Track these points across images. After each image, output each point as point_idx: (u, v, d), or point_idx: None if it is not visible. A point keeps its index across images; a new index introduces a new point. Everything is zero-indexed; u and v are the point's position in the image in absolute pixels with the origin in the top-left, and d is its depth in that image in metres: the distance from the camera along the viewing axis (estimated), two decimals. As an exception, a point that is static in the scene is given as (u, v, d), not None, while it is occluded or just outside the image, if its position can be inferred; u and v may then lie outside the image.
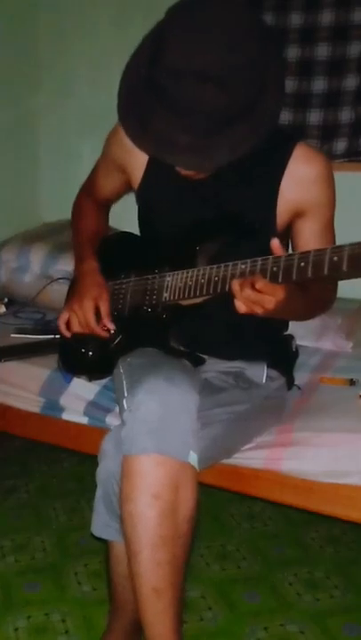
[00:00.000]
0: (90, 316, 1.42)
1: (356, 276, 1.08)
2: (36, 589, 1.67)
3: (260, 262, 1.16)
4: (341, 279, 1.46)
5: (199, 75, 1.08)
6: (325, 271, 1.06)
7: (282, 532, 1.95)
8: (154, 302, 1.41)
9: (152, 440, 1.16)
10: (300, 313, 1.39)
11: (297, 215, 1.37)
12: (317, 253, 1.08)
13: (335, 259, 1.05)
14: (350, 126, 2.21)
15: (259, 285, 1.12)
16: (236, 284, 1.16)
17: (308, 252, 1.09)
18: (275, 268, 1.13)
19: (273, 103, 1.18)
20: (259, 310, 1.15)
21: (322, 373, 1.74)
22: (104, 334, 1.44)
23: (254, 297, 1.14)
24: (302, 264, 1.09)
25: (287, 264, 1.11)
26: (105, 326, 1.43)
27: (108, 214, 1.69)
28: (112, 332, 1.44)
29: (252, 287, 1.13)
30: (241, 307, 1.16)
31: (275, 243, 1.13)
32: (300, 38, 2.14)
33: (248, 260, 1.18)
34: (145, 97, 1.16)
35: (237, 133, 1.14)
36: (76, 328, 1.45)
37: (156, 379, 1.21)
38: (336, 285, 1.49)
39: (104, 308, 1.43)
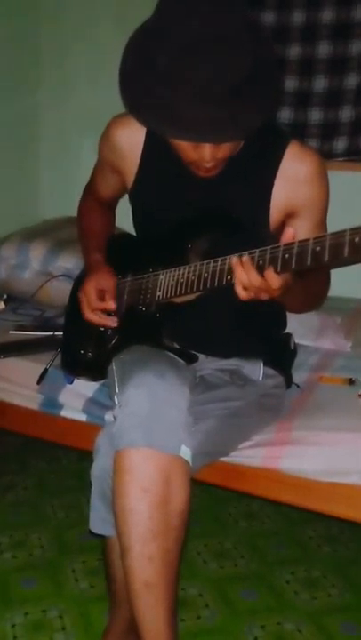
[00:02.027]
0: (92, 296, 1.43)
1: (338, 266, 1.08)
2: (33, 586, 1.67)
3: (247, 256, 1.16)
4: (339, 266, 1.46)
5: (216, 40, 1.08)
6: (309, 261, 1.06)
7: (280, 531, 1.95)
8: (148, 301, 1.42)
9: (141, 433, 1.17)
10: (297, 303, 1.40)
11: (289, 214, 1.37)
12: (301, 244, 1.08)
13: (318, 249, 1.05)
14: (351, 125, 2.21)
15: (267, 276, 1.12)
16: (238, 267, 1.14)
17: (293, 243, 1.09)
18: (260, 262, 1.13)
19: (273, 62, 1.20)
20: (264, 296, 1.15)
21: (321, 372, 1.74)
22: (110, 311, 1.44)
23: (262, 285, 1.13)
24: (286, 256, 1.09)
25: (272, 256, 1.11)
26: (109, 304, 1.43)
27: (112, 212, 1.69)
28: (114, 309, 1.44)
29: (260, 275, 1.12)
30: (242, 294, 1.15)
31: (289, 231, 1.12)
32: (301, 36, 2.14)
33: (236, 255, 1.18)
34: (156, 86, 1.14)
35: (258, 94, 1.15)
36: (86, 314, 1.45)
37: (144, 373, 1.22)
38: (329, 280, 1.49)
39: (107, 285, 1.44)
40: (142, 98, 1.18)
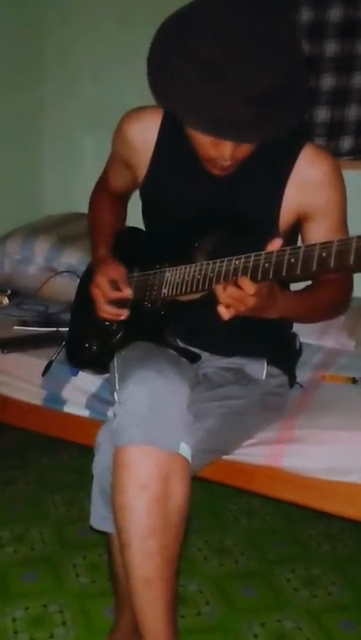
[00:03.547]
0: (106, 288, 1.43)
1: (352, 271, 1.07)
2: (34, 580, 1.68)
3: (253, 258, 1.15)
4: (347, 273, 1.45)
5: (260, 41, 1.06)
6: (314, 267, 1.05)
7: (280, 529, 1.96)
8: (153, 298, 1.42)
9: (140, 431, 1.17)
10: (299, 314, 1.39)
11: (303, 218, 1.36)
12: (307, 249, 1.07)
13: (324, 254, 1.04)
14: (357, 124, 2.21)
15: (242, 283, 1.13)
16: (219, 288, 1.17)
17: (299, 247, 1.09)
18: (266, 264, 1.13)
19: (305, 67, 1.18)
20: (242, 308, 1.16)
21: (324, 371, 1.74)
22: (126, 298, 1.44)
23: (237, 294, 1.14)
24: (292, 260, 1.09)
25: (278, 260, 1.11)
26: (122, 292, 1.43)
27: (124, 205, 1.68)
28: (131, 296, 1.44)
29: (236, 285, 1.14)
30: (224, 312, 1.17)
31: (276, 242, 1.13)
32: (308, 35, 2.14)
33: (242, 256, 1.18)
34: (194, 80, 1.10)
35: (293, 98, 1.14)
36: (100, 306, 1.45)
37: (144, 370, 1.22)
38: (352, 284, 1.46)
39: (118, 275, 1.44)
40: (176, 87, 1.14)
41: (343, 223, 1.39)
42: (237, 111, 1.10)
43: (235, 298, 1.15)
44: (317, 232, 1.35)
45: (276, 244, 1.12)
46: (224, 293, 1.16)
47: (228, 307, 1.17)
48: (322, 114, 2.20)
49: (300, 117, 1.19)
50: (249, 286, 1.13)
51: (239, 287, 1.14)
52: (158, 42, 1.17)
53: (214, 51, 1.07)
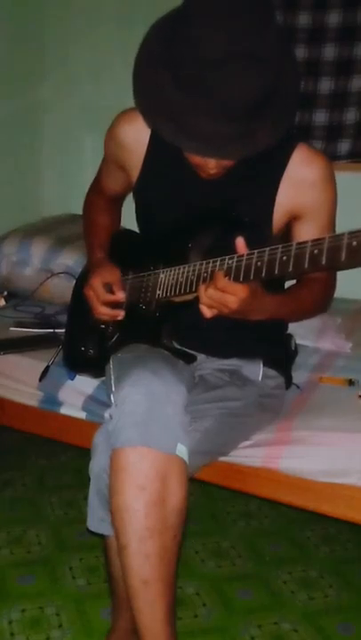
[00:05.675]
0: (100, 290, 1.44)
1: (344, 268, 1.08)
2: (30, 582, 1.68)
3: (245, 257, 1.16)
4: (338, 269, 1.45)
5: (244, 57, 1.06)
6: (306, 265, 1.06)
7: (277, 531, 1.96)
8: (148, 299, 1.42)
9: (137, 432, 1.17)
10: (284, 314, 1.40)
11: (294, 217, 1.37)
12: (299, 247, 1.07)
13: (315, 252, 1.05)
14: (355, 127, 2.21)
15: (220, 284, 1.15)
16: (201, 288, 1.18)
17: (291, 245, 1.09)
18: (259, 263, 1.13)
19: (294, 79, 1.19)
20: (224, 310, 1.18)
21: (321, 373, 1.74)
22: (119, 302, 1.45)
23: (217, 296, 1.16)
24: (284, 258, 1.09)
25: (271, 258, 1.11)
26: (116, 296, 1.44)
27: (118, 208, 1.69)
28: (123, 301, 1.45)
29: (215, 287, 1.16)
30: (206, 311, 1.18)
31: (239, 240, 1.15)
32: (307, 38, 2.14)
33: (235, 255, 1.18)
34: (176, 94, 1.12)
35: (276, 112, 1.15)
36: (98, 308, 1.45)
37: (141, 372, 1.23)
38: (334, 282, 1.48)
39: (113, 279, 1.45)
40: (157, 101, 1.16)
41: (332, 223, 1.40)
42: (215, 126, 1.10)
43: (215, 300, 1.16)
44: (307, 231, 1.35)
45: (240, 245, 1.15)
46: (205, 294, 1.17)
47: (210, 307, 1.19)
48: (320, 117, 2.21)
49: (285, 131, 1.20)
50: (228, 287, 1.15)
51: (220, 290, 1.15)
52: (143, 49, 1.18)
53: (193, 64, 1.08)
